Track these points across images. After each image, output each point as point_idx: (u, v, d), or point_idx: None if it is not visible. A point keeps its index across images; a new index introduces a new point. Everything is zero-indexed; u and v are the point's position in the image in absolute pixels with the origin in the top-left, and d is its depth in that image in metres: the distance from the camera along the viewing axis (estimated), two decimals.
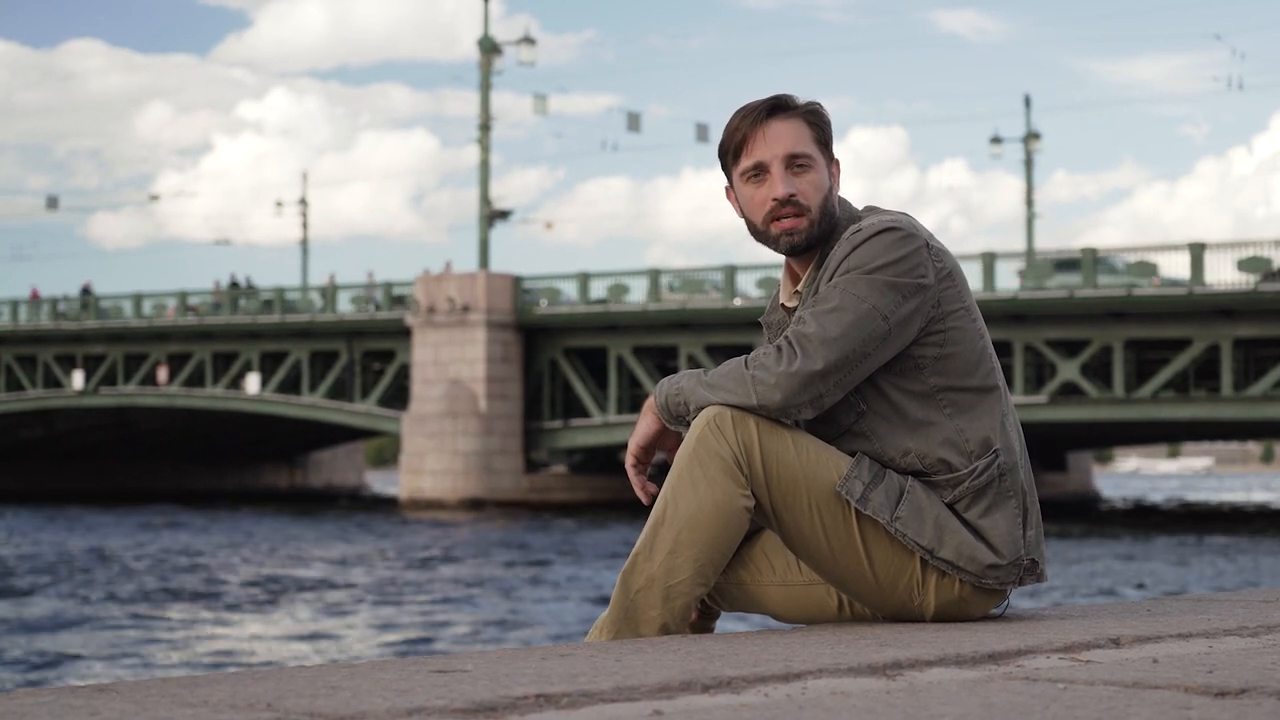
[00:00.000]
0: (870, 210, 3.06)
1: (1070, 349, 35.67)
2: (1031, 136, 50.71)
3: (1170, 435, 61.84)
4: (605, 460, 42.87)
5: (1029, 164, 50.61)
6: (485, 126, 43.82)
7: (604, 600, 15.55)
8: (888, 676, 2.26)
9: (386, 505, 45.53)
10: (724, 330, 38.37)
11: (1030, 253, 37.06)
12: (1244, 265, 32.97)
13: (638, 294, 39.97)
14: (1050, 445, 53.00)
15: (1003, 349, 34.14)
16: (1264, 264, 32.79)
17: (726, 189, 3.12)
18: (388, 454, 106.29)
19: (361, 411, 44.34)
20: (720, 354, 36.97)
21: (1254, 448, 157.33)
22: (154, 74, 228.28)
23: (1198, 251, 33.47)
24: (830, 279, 2.92)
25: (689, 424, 2.93)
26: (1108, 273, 35.35)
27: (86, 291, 50.74)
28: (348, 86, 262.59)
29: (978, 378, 2.99)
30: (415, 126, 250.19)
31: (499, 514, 37.49)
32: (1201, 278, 33.25)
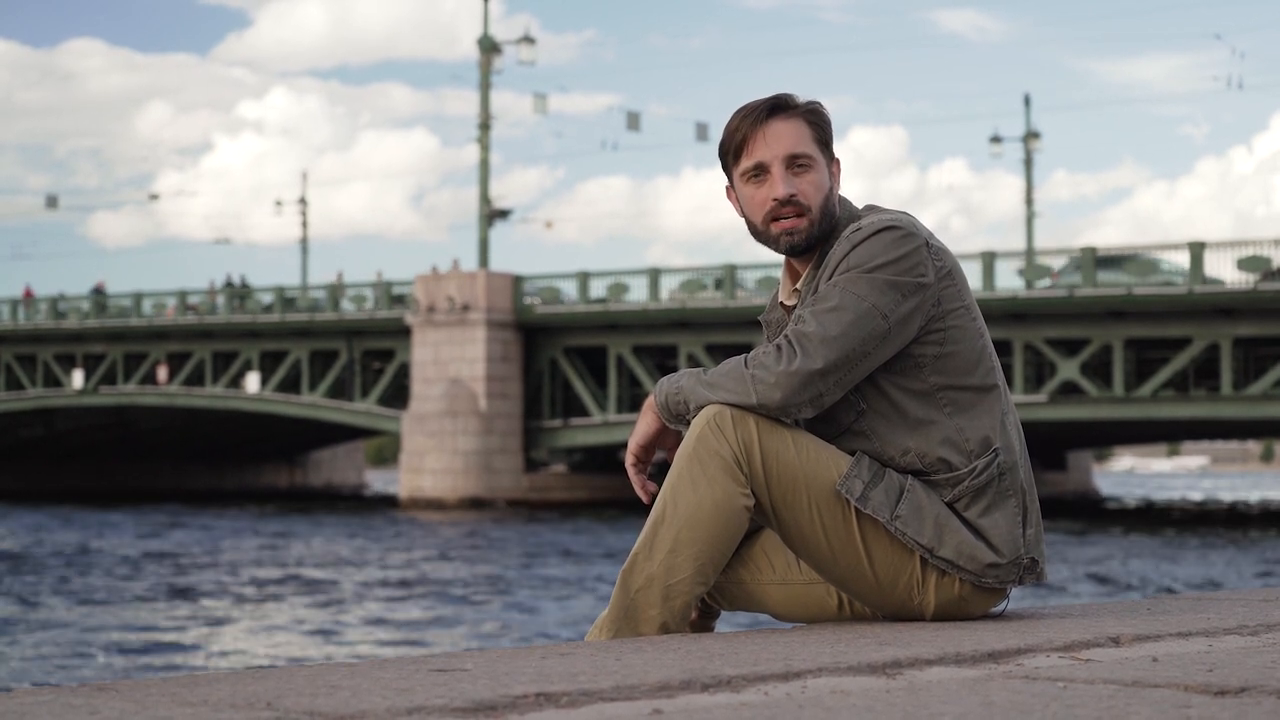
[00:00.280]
0: (870, 209, 3.06)
1: (1070, 348, 35.67)
2: (1031, 136, 50.70)
3: (1170, 434, 61.85)
4: (605, 459, 42.87)
5: (1029, 163, 50.60)
6: (485, 126, 43.82)
7: (604, 599, 15.56)
8: (888, 675, 2.26)
9: (386, 504, 45.53)
10: (724, 329, 38.36)
11: (1030, 252, 37.03)
12: (1244, 264, 32.97)
13: (638, 293, 39.97)
14: (1050, 444, 53.03)
15: (1002, 348, 34.12)
16: (1264, 263, 32.79)
17: (727, 189, 3.12)
18: (388, 453, 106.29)
19: (361, 411, 44.34)
20: (720, 353, 36.94)
21: (1254, 447, 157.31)
22: (154, 73, 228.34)
23: (1197, 251, 33.46)
24: (830, 278, 2.92)
25: (689, 423, 2.94)
26: (1152, 271, 35.08)
27: (99, 291, 50.74)
28: (348, 86, 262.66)
29: (977, 376, 2.99)
30: (415, 126, 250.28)
31: (499, 513, 37.50)
32: (1201, 277, 33.26)
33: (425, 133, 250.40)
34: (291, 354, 45.38)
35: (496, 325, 41.60)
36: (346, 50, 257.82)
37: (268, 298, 46.95)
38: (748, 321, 36.28)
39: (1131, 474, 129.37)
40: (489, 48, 43.59)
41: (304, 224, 60.03)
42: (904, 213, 3.01)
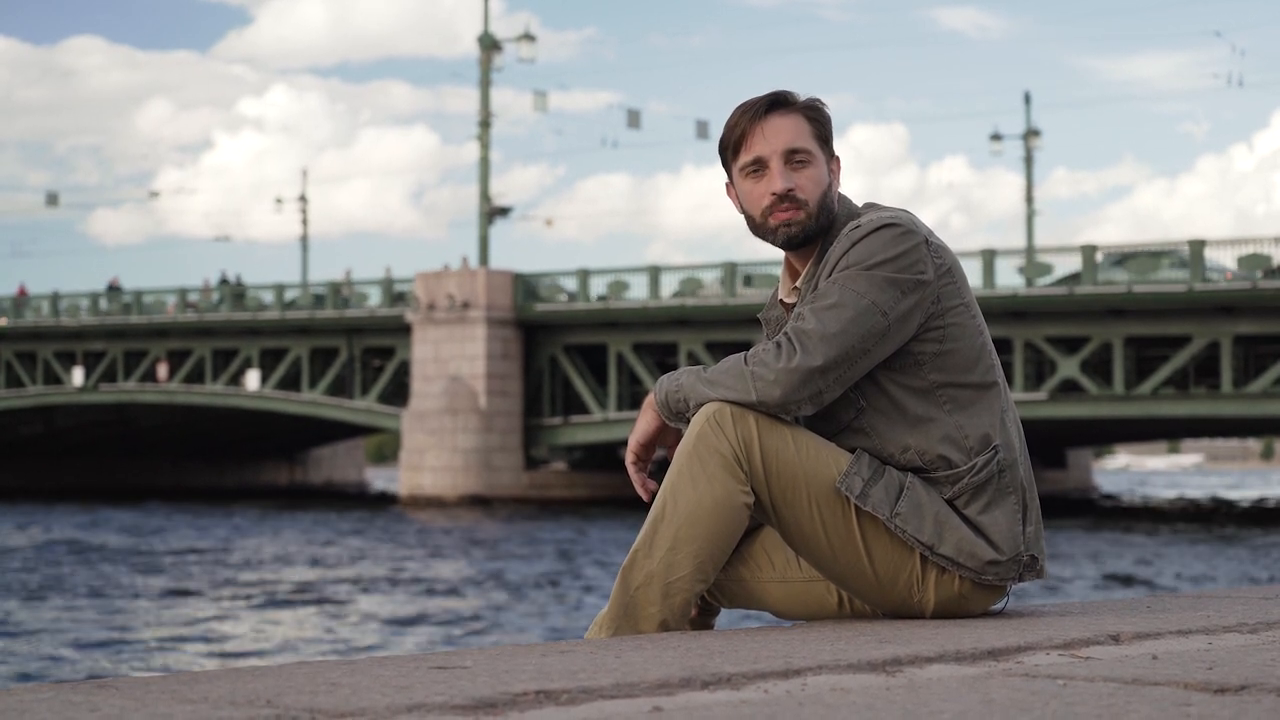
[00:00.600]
0: (870, 207, 3.06)
1: (1070, 346, 35.67)
2: (1031, 133, 50.70)
3: (1170, 432, 61.86)
4: (605, 457, 42.88)
5: (1029, 161, 50.61)
6: (485, 123, 43.82)
7: (604, 597, 15.56)
8: (887, 673, 2.26)
9: (386, 502, 45.54)
10: (724, 327, 38.37)
11: (1030, 250, 37.01)
12: (1244, 262, 32.97)
13: (638, 291, 39.98)
14: (1050, 442, 53.08)
15: (1003, 346, 34.12)
16: (1264, 261, 32.80)
17: (727, 185, 3.12)
18: (388, 451, 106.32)
19: (361, 408, 44.34)
20: (720, 351, 36.96)
21: (1254, 445, 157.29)
22: (154, 71, 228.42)
23: (1198, 248, 33.47)
24: (829, 275, 2.92)
25: (689, 421, 2.94)
26: (1180, 266, 34.80)
27: (114, 288, 50.76)
28: (348, 83, 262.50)
29: (977, 374, 2.99)
30: (416, 123, 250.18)
31: (499, 511, 37.50)
32: (1201, 274, 33.26)
33: (425, 130, 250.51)
34: (292, 351, 45.39)
35: (496, 323, 41.60)
36: (347, 48, 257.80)
37: (268, 295, 46.95)
38: (748, 319, 36.27)
39: (1127, 471, 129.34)
40: (489, 45, 43.59)
41: (304, 221, 60.07)
42: (903, 210, 3.01)
